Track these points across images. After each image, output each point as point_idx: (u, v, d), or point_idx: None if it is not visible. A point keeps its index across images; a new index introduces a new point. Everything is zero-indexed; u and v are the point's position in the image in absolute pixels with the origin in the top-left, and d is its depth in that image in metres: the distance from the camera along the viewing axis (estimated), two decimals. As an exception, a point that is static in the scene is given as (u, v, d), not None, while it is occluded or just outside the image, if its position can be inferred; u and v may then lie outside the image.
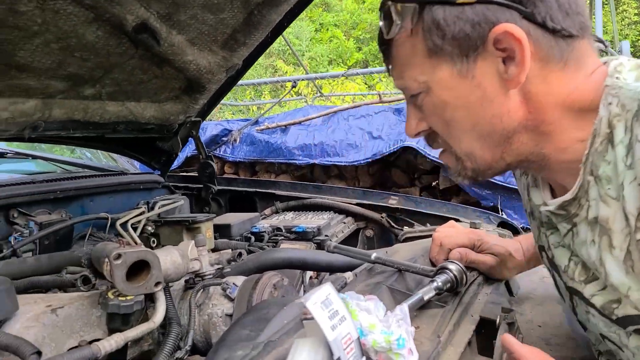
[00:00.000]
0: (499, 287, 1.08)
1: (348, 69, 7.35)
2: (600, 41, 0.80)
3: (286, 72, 12.03)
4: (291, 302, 0.85)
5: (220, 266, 1.23)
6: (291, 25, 1.82)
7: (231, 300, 1.07)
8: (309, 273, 1.53)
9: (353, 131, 3.30)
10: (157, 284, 0.95)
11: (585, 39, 0.68)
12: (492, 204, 2.77)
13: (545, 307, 1.10)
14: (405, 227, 1.92)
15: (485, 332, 0.85)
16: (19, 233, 1.46)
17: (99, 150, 2.51)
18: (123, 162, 2.55)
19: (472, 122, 0.71)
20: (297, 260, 1.26)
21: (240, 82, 2.40)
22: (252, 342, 0.73)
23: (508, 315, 0.82)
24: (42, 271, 1.25)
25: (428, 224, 1.84)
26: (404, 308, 0.74)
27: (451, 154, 0.78)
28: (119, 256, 0.88)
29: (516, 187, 2.70)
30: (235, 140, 3.62)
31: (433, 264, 1.09)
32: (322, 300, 0.60)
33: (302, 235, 1.74)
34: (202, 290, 1.11)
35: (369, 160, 3.07)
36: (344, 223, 2.02)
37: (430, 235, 1.52)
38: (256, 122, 3.72)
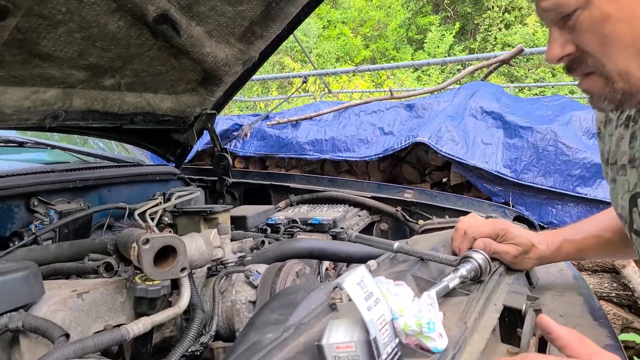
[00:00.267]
0: (519, 277, 1.08)
1: (356, 66, 7.33)
2: None
3: (293, 68, 12.03)
4: (318, 287, 0.85)
5: (242, 254, 1.24)
6: (299, 21, 1.81)
7: (254, 287, 1.08)
8: (325, 264, 1.53)
9: (364, 127, 3.29)
10: (182, 269, 0.96)
11: None
12: (503, 200, 2.75)
13: (565, 297, 1.10)
14: (420, 220, 1.92)
15: (509, 320, 0.85)
16: (39, 221, 1.47)
17: (112, 141, 2.53)
18: (136, 154, 2.56)
19: (633, 36, 0.67)
20: (317, 250, 1.27)
21: (248, 78, 2.38)
22: (281, 325, 0.74)
23: (534, 302, 0.82)
24: (64, 258, 1.27)
25: (447, 216, 1.84)
26: (432, 294, 0.75)
27: (600, 77, 0.73)
28: (147, 241, 0.89)
29: (527, 184, 2.63)
30: (245, 135, 3.61)
31: (454, 254, 1.09)
32: (358, 282, 0.60)
33: (317, 228, 1.75)
34: (225, 277, 1.12)
35: (380, 155, 3.06)
36: (359, 216, 2.02)
37: (448, 227, 1.53)
38: (267, 117, 3.72)
